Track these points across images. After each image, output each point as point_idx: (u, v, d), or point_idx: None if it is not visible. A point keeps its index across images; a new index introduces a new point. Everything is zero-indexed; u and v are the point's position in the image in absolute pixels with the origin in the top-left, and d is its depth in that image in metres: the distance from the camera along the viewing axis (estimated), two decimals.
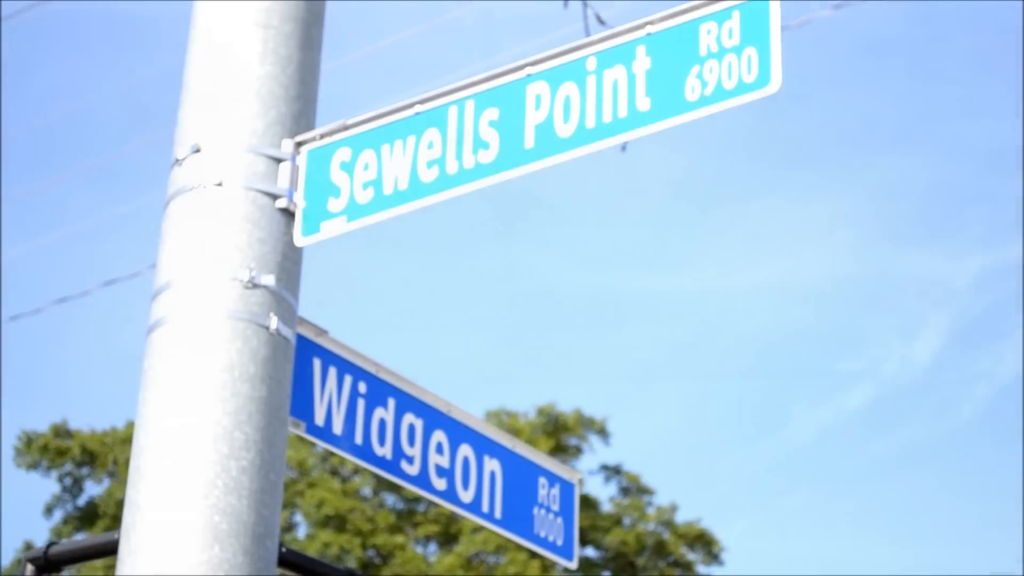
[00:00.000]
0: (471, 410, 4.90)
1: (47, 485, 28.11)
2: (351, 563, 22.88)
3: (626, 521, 25.35)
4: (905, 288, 37.46)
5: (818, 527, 36.73)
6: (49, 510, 24.61)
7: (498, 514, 4.85)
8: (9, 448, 24.49)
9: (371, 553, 23.76)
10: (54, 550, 4.18)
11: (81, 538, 4.38)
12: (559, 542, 5.06)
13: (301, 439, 4.33)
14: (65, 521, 24.30)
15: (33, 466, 24.12)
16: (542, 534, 5.00)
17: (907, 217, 38.47)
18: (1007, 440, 38.05)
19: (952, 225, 38.53)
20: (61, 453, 24.05)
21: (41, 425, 24.60)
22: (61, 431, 24.18)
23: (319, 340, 4.47)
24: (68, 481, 24.51)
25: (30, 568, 4.15)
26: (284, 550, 4.09)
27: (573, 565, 5.08)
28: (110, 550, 4.08)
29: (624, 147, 3.95)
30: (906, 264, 37.26)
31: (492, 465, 4.87)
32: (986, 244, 38.18)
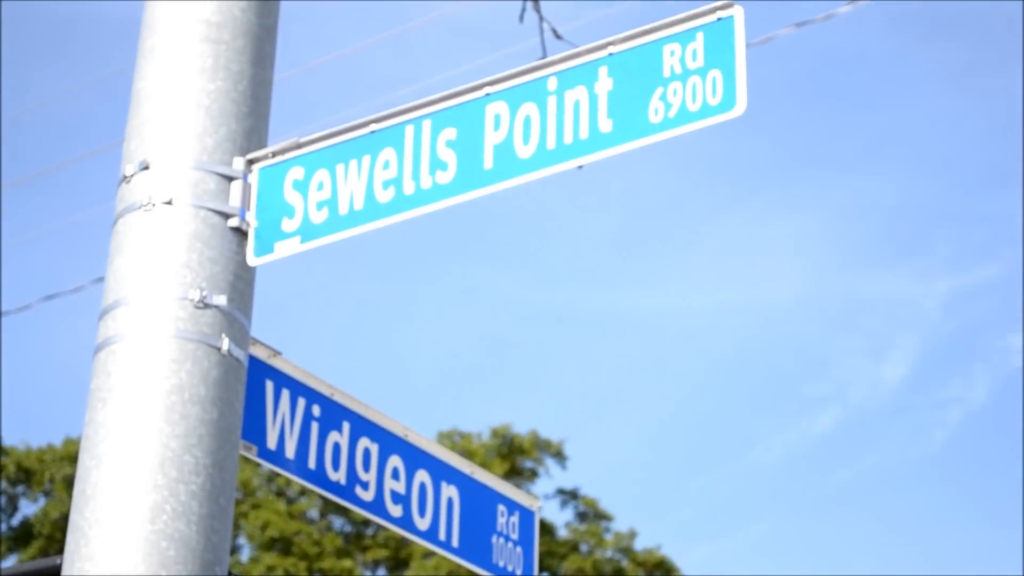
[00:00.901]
0: (423, 431, 4.96)
1: None
2: None
3: (583, 547, 25.41)
4: (873, 309, 37.76)
5: (783, 556, 36.90)
6: None
7: (455, 542, 4.90)
8: None
9: None
10: None
11: (17, 563, 4.39)
12: (518, 572, 5.11)
13: (246, 459, 4.38)
14: None
15: None
16: (501, 563, 5.05)
17: (874, 237, 38.78)
18: (980, 467, 38.34)
19: (921, 245, 38.89)
20: None
21: None
22: None
23: (272, 361, 4.52)
24: (2, 500, 24.36)
25: None
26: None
27: None
28: (51, 575, 4.10)
29: (580, 167, 4.02)
30: (873, 285, 37.54)
31: (449, 491, 4.93)
32: (955, 265, 38.55)
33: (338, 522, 24.87)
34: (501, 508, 5.08)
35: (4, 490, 24.18)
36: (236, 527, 23.71)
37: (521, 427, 25.34)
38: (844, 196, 38.66)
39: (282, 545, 23.56)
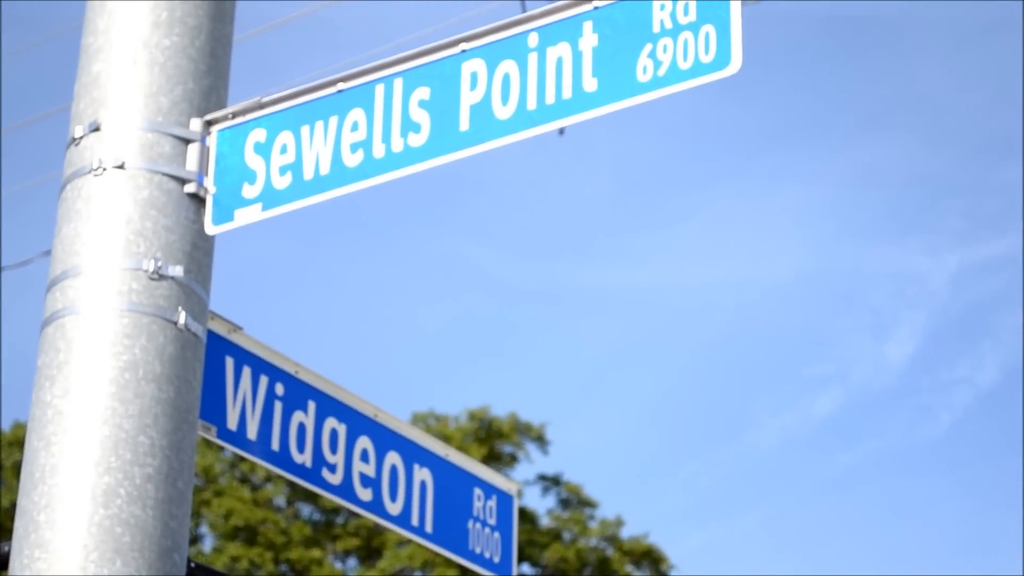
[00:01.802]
0: (397, 413, 4.94)
1: None
2: None
3: (566, 536, 25.50)
4: (877, 286, 37.84)
5: (779, 545, 37.09)
6: None
7: (429, 527, 4.90)
8: None
9: (284, 568, 23.75)
10: None
11: None
12: (496, 558, 5.12)
13: (208, 443, 4.36)
14: None
15: None
16: (477, 550, 5.06)
17: (880, 209, 38.83)
18: (988, 452, 38.52)
19: (929, 218, 38.98)
20: None
21: None
22: None
23: (232, 337, 4.50)
24: None
25: None
26: (192, 565, 4.12)
27: None
28: (0, 564, 4.08)
29: (562, 131, 3.98)
30: (878, 260, 37.62)
31: (423, 474, 4.92)
32: (966, 239, 38.63)
33: (306, 510, 24.92)
34: (478, 492, 5.08)
35: None
36: (198, 515, 23.73)
37: (500, 410, 25.41)
38: (848, 165, 38.75)
39: (247, 534, 23.60)
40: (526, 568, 25.12)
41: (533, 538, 24.82)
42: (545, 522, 25.53)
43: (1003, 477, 38.76)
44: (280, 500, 24.89)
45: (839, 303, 38.02)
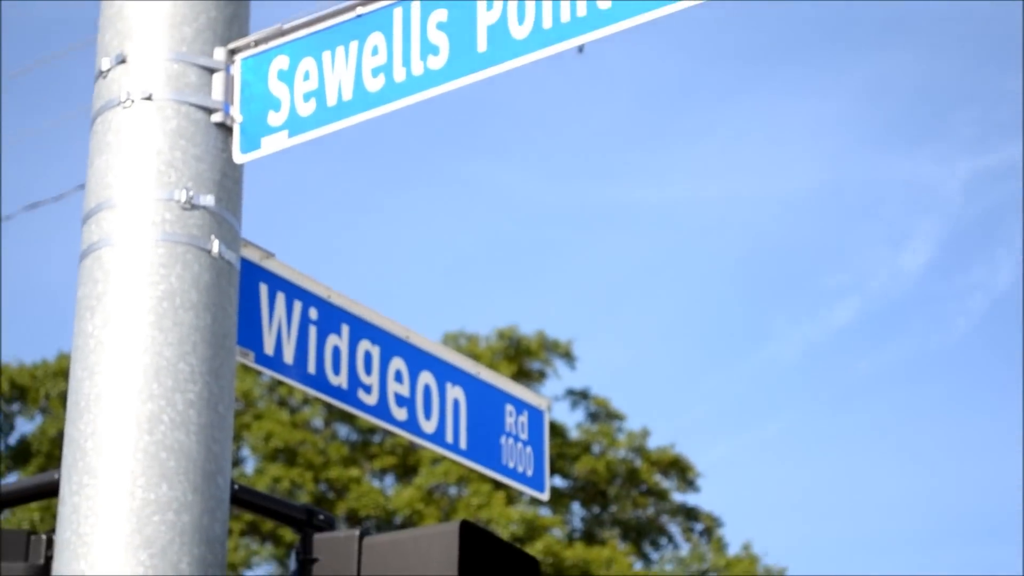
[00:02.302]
0: (427, 332, 4.93)
1: None
2: (303, 498, 23.02)
3: (595, 448, 25.58)
4: (892, 196, 37.58)
5: (803, 451, 37.12)
6: None
7: (463, 444, 4.90)
8: None
9: (324, 487, 23.90)
10: None
11: (17, 479, 4.40)
12: (529, 472, 5.11)
13: (246, 368, 4.35)
14: None
15: None
16: (511, 464, 5.05)
17: (893, 119, 38.49)
18: (1005, 354, 38.43)
19: (941, 126, 38.61)
20: None
21: None
22: None
23: (265, 264, 4.48)
24: None
25: None
26: (236, 487, 4.12)
27: (545, 496, 5.15)
28: (50, 491, 4.09)
29: (581, 49, 3.93)
30: (893, 170, 37.33)
31: (455, 393, 4.91)
32: (978, 146, 38.25)
33: (343, 430, 25.02)
34: (509, 408, 5.07)
35: (0, 408, 24.33)
36: (239, 438, 23.85)
37: (528, 328, 25.39)
38: (861, 76, 38.39)
39: (287, 456, 23.72)
40: (557, 480, 25.24)
41: (563, 451, 24.91)
42: (574, 435, 25.61)
43: (1019, 379, 38.73)
44: (318, 422, 25.01)
45: (854, 214, 37.80)
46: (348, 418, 24.19)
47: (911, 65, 38.49)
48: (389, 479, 25.12)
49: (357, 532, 4.09)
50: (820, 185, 37.43)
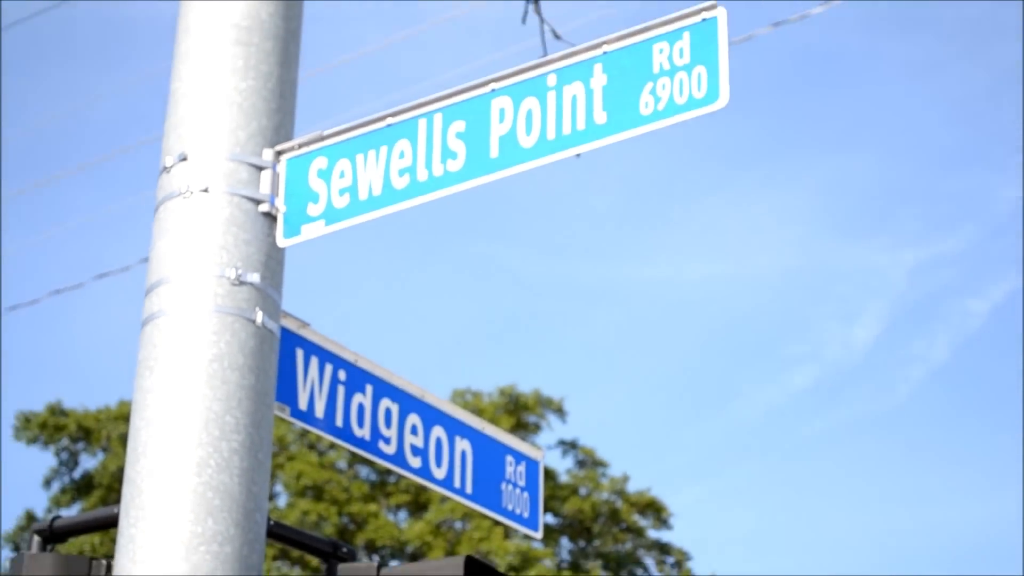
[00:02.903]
0: (438, 389, 4.95)
1: (45, 459, 27.97)
2: (328, 529, 22.88)
3: (582, 491, 25.44)
4: (846, 278, 37.58)
5: (763, 497, 36.89)
6: (48, 482, 24.50)
7: (469, 489, 4.89)
8: (8, 427, 24.36)
9: (346, 520, 23.75)
10: (58, 523, 4.20)
11: (81, 512, 4.39)
12: (525, 514, 5.10)
13: (282, 419, 4.36)
14: (63, 491, 24.19)
15: (32, 441, 23.99)
16: (510, 507, 5.04)
17: (848, 213, 38.59)
18: (940, 418, 38.33)
19: (889, 221, 38.67)
20: (58, 429, 23.93)
21: (38, 405, 24.49)
22: (56, 410, 24.05)
23: (302, 332, 4.49)
24: (64, 455, 24.38)
25: (36, 539, 4.16)
26: (272, 523, 4.12)
27: (539, 535, 5.15)
28: (110, 523, 4.09)
29: (579, 155, 3.96)
30: (847, 257, 37.38)
31: (463, 445, 4.91)
32: (920, 238, 38.35)
33: (364, 471, 24.90)
34: (509, 458, 5.07)
35: (67, 447, 24.23)
36: (273, 477, 23.76)
37: (526, 386, 25.32)
38: (822, 176, 38.53)
39: (314, 492, 23.60)
40: (549, 518, 25.08)
41: (554, 493, 24.77)
42: (564, 479, 25.47)
43: (955, 439, 38.58)
44: (342, 463, 24.89)
45: (813, 294, 37.81)
46: (368, 461, 24.08)
47: (865, 167, 38.62)
48: (403, 514, 24.96)
49: (375, 563, 4.08)
50: (784, 268, 37.46)
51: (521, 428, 24.60)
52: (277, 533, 4.18)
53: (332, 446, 24.61)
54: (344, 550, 4.24)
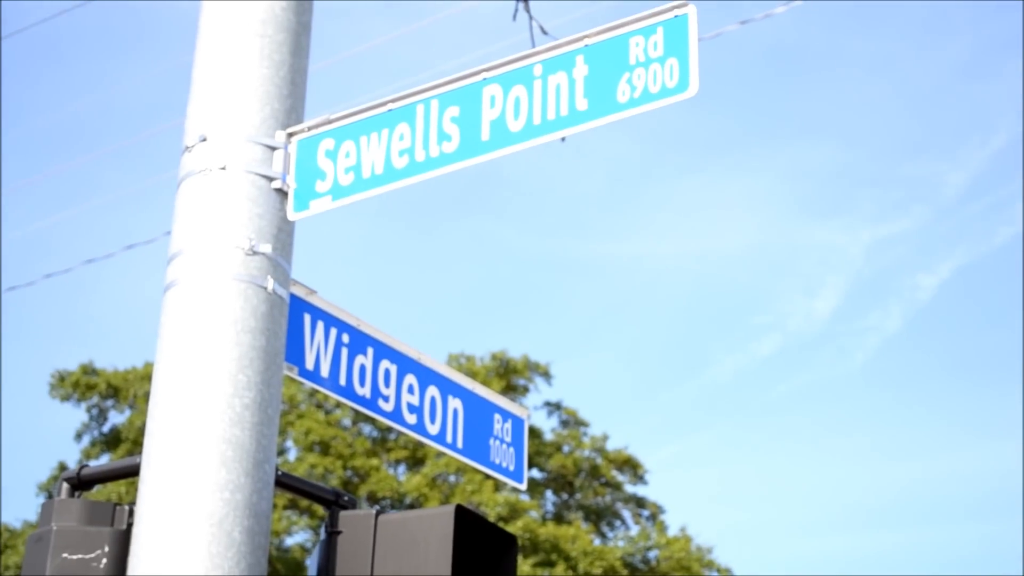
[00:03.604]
0: (436, 354, 4.92)
1: (77, 415, 28.00)
2: (334, 482, 22.90)
3: (565, 448, 25.48)
4: (808, 255, 37.65)
5: (732, 455, 37.02)
6: (79, 436, 24.49)
7: (460, 444, 4.89)
8: (44, 384, 24.27)
9: (350, 473, 23.79)
10: (86, 472, 4.20)
11: (108, 462, 4.39)
12: (511, 467, 5.11)
13: (291, 379, 4.36)
14: (92, 444, 24.18)
15: (66, 398, 23.97)
16: (497, 461, 5.04)
17: (810, 196, 38.65)
18: (892, 383, 38.48)
19: (848, 203, 38.71)
20: (90, 387, 23.90)
21: (72, 365, 24.47)
22: (89, 370, 24.02)
23: (309, 298, 4.49)
24: (95, 411, 24.37)
25: (65, 486, 4.16)
26: (280, 473, 4.12)
27: (523, 487, 5.15)
28: (133, 472, 4.10)
29: (564, 139, 3.95)
30: (809, 235, 37.44)
31: (455, 403, 4.91)
32: (876, 219, 38.40)
33: (367, 428, 24.93)
34: (497, 416, 5.07)
35: (97, 404, 24.21)
36: (284, 433, 23.77)
37: (515, 352, 25.33)
38: (787, 162, 38.53)
39: (321, 448, 23.61)
40: (535, 473, 25.13)
41: (540, 449, 24.81)
42: (549, 437, 25.51)
43: (905, 400, 38.70)
44: (347, 421, 24.91)
45: (777, 269, 37.84)
46: (370, 419, 24.10)
47: (826, 154, 38.62)
48: (402, 468, 25.01)
49: (374, 511, 4.09)
50: (751, 245, 37.48)
51: (511, 390, 24.62)
52: (284, 482, 4.18)
53: (338, 405, 24.62)
54: (345, 498, 4.25)
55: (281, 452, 23.77)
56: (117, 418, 24.48)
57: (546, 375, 25.66)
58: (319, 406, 24.63)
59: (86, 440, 24.50)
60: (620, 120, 3.83)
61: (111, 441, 24.06)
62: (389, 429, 24.41)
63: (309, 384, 4.44)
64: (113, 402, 24.33)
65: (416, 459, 24.49)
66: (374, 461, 23.84)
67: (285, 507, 22.69)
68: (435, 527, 3.99)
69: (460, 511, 4.01)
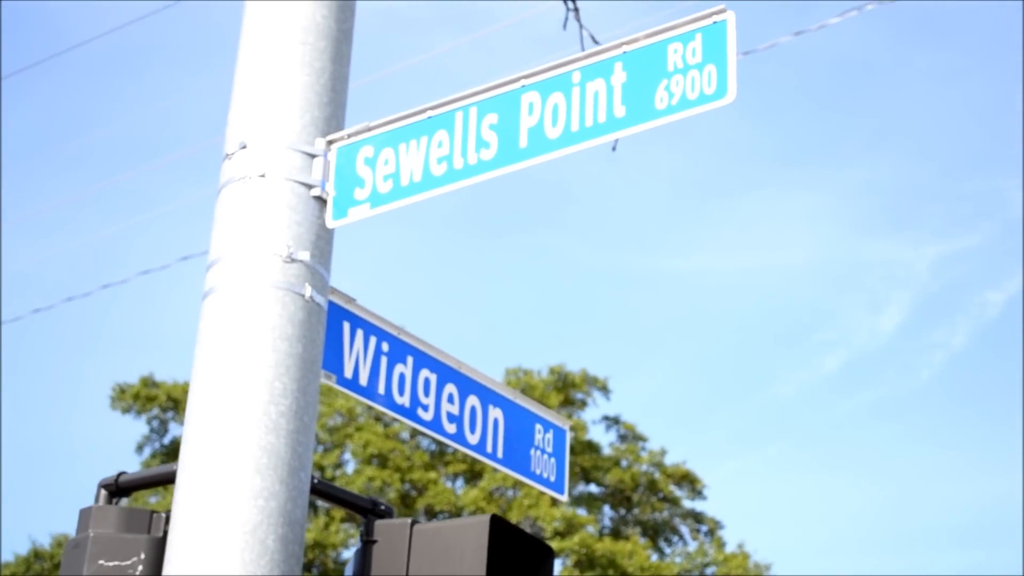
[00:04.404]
0: (493, 367, 4.91)
1: (138, 427, 28.26)
2: (391, 495, 22.94)
3: (623, 463, 25.35)
4: (873, 271, 37.26)
5: (793, 472, 36.66)
6: (140, 448, 24.76)
7: (500, 454, 4.87)
8: (106, 396, 24.57)
9: (408, 487, 23.82)
10: (124, 479, 4.22)
11: (145, 469, 4.42)
12: (552, 478, 5.07)
13: (328, 385, 4.36)
14: (153, 456, 24.42)
15: (127, 410, 24.24)
16: (538, 471, 5.01)
17: (875, 212, 38.27)
18: (959, 400, 37.97)
19: (913, 218, 38.31)
20: (150, 400, 24.15)
21: (133, 378, 24.73)
22: (149, 382, 24.28)
23: (348, 306, 4.49)
24: (155, 423, 24.62)
25: (103, 493, 4.18)
26: (315, 480, 4.11)
27: (564, 498, 5.11)
28: (170, 479, 4.11)
29: (615, 147, 3.92)
30: (874, 251, 37.05)
31: (496, 413, 4.89)
32: (942, 235, 37.99)
33: (425, 442, 24.96)
34: (538, 427, 5.03)
35: (157, 416, 24.46)
36: (341, 446, 23.85)
37: (574, 366, 25.24)
38: (851, 178, 38.18)
39: (380, 460, 23.67)
40: (593, 487, 25.00)
41: (598, 464, 24.70)
42: (607, 452, 25.39)
43: (971, 419, 38.16)
44: (405, 434, 24.96)
45: (843, 284, 37.46)
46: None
47: (891, 168, 38.22)
48: (460, 482, 25.00)
49: (409, 520, 4.07)
50: (816, 261, 37.16)
51: (568, 404, 24.55)
52: (320, 490, 4.17)
53: (396, 419, 24.66)
54: (382, 507, 4.23)
55: (339, 465, 23.86)
56: (177, 430, 24.71)
57: (604, 389, 25.55)
58: (377, 419, 24.70)
59: (147, 452, 24.76)
60: (658, 127, 3.80)
61: (171, 453, 24.27)
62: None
63: (347, 393, 4.43)
64: (173, 414, 24.57)
65: (474, 473, 24.46)
66: (432, 474, 23.85)
67: (343, 520, 22.77)
68: (470, 536, 3.96)
69: (495, 521, 3.98)
